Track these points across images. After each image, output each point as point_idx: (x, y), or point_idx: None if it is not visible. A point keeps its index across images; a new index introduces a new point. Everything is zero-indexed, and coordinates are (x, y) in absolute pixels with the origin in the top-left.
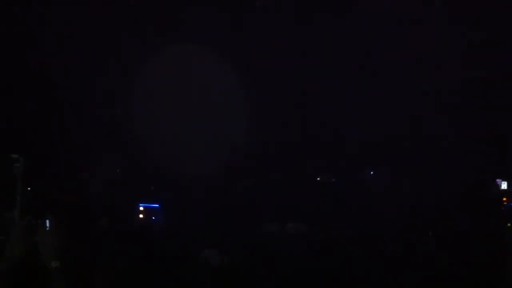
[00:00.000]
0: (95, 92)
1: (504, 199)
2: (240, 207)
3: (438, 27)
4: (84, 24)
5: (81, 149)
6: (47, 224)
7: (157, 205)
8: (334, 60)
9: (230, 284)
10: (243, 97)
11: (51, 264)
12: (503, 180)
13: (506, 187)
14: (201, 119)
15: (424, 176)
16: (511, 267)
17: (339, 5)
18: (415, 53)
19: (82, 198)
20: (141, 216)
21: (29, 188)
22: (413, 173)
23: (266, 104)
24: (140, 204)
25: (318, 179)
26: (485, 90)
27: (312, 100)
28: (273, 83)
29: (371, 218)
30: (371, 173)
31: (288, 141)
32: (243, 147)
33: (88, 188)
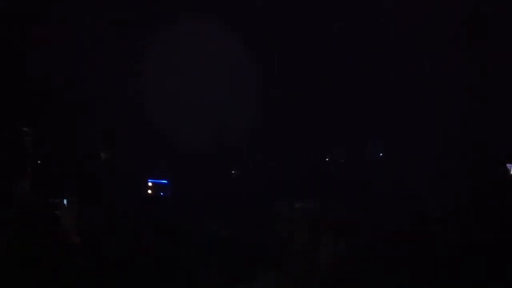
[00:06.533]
0: (102, 70)
1: None
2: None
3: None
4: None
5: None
6: (65, 203)
7: (166, 181)
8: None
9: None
10: (254, 68)
11: (72, 240)
12: None
13: None
14: (210, 92)
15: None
16: None
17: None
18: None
19: (92, 175)
20: (149, 191)
21: (39, 161)
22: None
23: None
24: (149, 180)
25: (327, 160)
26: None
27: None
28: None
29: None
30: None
31: (295, 119)
32: (251, 123)
33: (97, 166)
